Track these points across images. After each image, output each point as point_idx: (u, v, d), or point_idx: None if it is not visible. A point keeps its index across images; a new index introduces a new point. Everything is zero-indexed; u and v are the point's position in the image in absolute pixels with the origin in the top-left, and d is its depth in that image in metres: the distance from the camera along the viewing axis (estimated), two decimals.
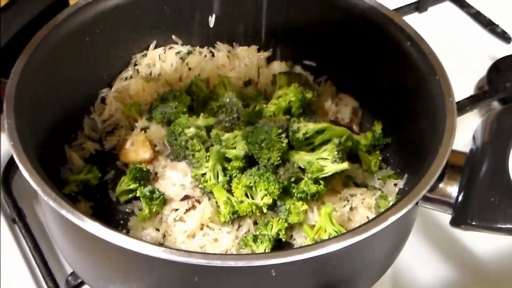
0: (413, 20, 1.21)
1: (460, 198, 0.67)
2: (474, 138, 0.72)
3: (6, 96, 0.69)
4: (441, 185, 0.68)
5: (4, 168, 0.90)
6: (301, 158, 0.77)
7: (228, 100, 0.82)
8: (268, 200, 0.75)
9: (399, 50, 0.80)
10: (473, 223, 0.64)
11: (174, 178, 0.82)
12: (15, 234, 0.86)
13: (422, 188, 0.64)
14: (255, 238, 0.74)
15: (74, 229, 0.62)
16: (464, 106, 0.99)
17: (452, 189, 0.68)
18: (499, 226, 0.63)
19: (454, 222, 0.66)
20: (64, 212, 0.60)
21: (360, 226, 0.60)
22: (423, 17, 1.24)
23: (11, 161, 0.91)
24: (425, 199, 0.67)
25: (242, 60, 0.94)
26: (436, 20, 1.24)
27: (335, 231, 0.73)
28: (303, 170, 0.77)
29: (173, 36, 0.93)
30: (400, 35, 0.80)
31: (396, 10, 1.21)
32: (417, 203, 0.66)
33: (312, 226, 0.76)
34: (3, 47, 0.81)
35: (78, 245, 0.69)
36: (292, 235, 0.78)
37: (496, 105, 1.05)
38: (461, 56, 1.18)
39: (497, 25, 1.11)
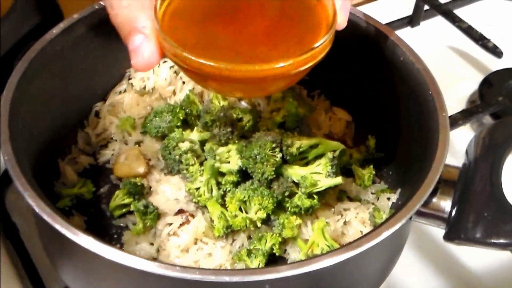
0: (406, 34, 1.24)
1: (453, 213, 0.67)
2: (467, 153, 0.72)
3: (1, 110, 0.69)
4: (434, 199, 0.68)
5: None
6: (295, 172, 0.77)
7: (222, 114, 0.82)
8: (262, 214, 0.75)
9: (392, 65, 0.81)
10: (467, 238, 0.64)
11: (168, 192, 0.82)
12: (8, 249, 0.85)
13: (415, 203, 0.64)
14: (249, 253, 0.74)
15: (67, 244, 0.61)
16: (457, 120, 0.99)
17: (445, 204, 0.68)
18: (492, 241, 0.63)
19: (448, 237, 0.67)
20: (58, 227, 0.60)
21: (353, 242, 0.60)
22: (416, 31, 1.26)
23: (4, 175, 0.90)
24: (419, 213, 0.68)
25: None
26: (429, 34, 1.26)
27: (328, 246, 0.73)
28: (297, 185, 0.77)
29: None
30: (393, 50, 0.80)
31: (389, 24, 1.23)
32: (410, 218, 0.66)
33: (306, 241, 0.76)
34: None
35: (72, 259, 0.69)
36: (286, 250, 0.78)
37: (488, 119, 1.06)
38: (453, 70, 1.20)
39: (489, 40, 1.11)
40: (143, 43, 0.61)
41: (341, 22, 0.66)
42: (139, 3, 0.61)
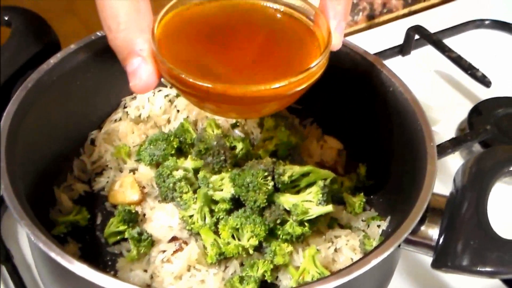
0: (397, 63, 1.26)
1: (441, 241, 0.68)
2: (454, 181, 0.73)
3: None
4: (422, 228, 0.69)
5: None
6: (287, 200, 0.78)
7: (215, 142, 0.83)
8: (254, 241, 0.76)
9: (382, 95, 0.83)
10: (454, 266, 0.65)
11: (162, 220, 0.82)
12: (2, 275, 0.86)
13: (404, 232, 0.66)
14: (241, 280, 0.75)
15: (62, 271, 0.62)
16: (446, 148, 1.01)
17: (433, 232, 0.69)
18: (478, 269, 0.64)
19: (435, 265, 0.68)
20: (53, 255, 0.61)
21: (343, 269, 0.61)
22: (406, 60, 1.28)
23: None
24: (407, 241, 0.69)
25: None
26: (420, 63, 1.28)
27: (319, 273, 0.74)
28: (288, 212, 0.78)
29: (162, 79, 0.94)
30: (383, 80, 0.82)
31: (381, 53, 1.25)
32: (399, 246, 0.68)
33: (297, 268, 0.77)
34: None
35: (66, 287, 0.70)
36: (277, 277, 0.79)
37: (477, 147, 1.07)
38: (443, 98, 1.22)
39: (478, 69, 1.13)
40: (141, 66, 0.62)
41: (336, 43, 0.66)
42: (136, 26, 0.62)
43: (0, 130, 0.72)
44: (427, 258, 0.70)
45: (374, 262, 0.62)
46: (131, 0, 0.62)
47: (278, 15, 0.70)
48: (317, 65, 0.62)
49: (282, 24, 0.70)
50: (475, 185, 0.70)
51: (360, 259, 0.63)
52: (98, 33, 0.84)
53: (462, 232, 0.67)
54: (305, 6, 0.68)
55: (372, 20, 1.40)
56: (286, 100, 0.66)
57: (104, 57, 0.82)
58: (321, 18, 0.66)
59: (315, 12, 0.67)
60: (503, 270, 0.64)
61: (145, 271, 0.78)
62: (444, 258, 0.67)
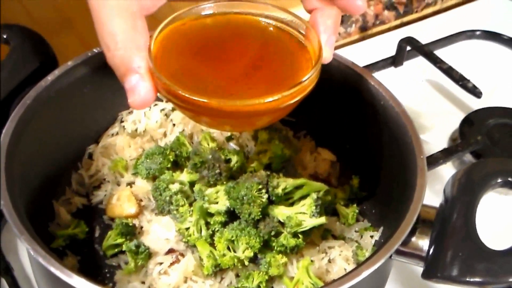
0: (390, 74, 1.28)
1: (431, 251, 0.70)
2: (444, 192, 0.75)
3: None
4: (413, 239, 0.71)
5: None
6: (281, 212, 0.80)
7: (210, 156, 0.85)
8: (249, 253, 0.78)
9: (374, 108, 0.85)
10: (443, 276, 0.67)
11: (159, 232, 0.84)
12: (2, 286, 0.87)
13: (394, 243, 0.67)
14: None
15: (61, 285, 0.64)
16: (438, 159, 1.02)
17: (423, 243, 0.71)
18: (467, 279, 0.65)
19: (425, 275, 0.69)
20: (53, 269, 0.63)
21: (335, 280, 0.63)
22: (399, 71, 1.30)
23: None
24: (398, 252, 0.70)
25: None
26: (412, 74, 1.29)
27: (312, 284, 0.76)
28: (282, 224, 0.80)
29: (158, 94, 0.96)
30: (374, 94, 0.84)
31: (374, 64, 1.27)
32: (390, 257, 0.69)
33: (292, 278, 0.79)
34: None
35: None
36: (272, 287, 0.80)
37: (469, 156, 1.08)
38: (436, 108, 1.23)
39: (469, 80, 1.15)
40: (138, 82, 0.64)
41: (327, 57, 0.68)
42: (134, 44, 0.64)
43: None
44: (419, 268, 0.71)
45: (366, 273, 0.64)
46: (128, 19, 0.64)
47: (271, 29, 0.72)
48: (308, 79, 0.64)
49: (275, 38, 0.71)
50: (464, 196, 0.72)
51: (352, 270, 0.65)
52: (94, 50, 0.86)
53: (451, 243, 0.68)
54: (297, 21, 0.70)
55: (365, 32, 1.41)
56: (279, 113, 0.67)
57: (101, 73, 0.83)
58: (312, 33, 0.68)
59: (306, 26, 0.69)
60: (491, 281, 0.65)
61: (143, 283, 0.80)
62: (434, 269, 0.68)
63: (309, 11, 0.71)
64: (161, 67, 0.65)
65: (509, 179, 0.72)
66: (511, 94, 1.26)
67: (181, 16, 0.70)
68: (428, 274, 0.69)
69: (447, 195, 0.74)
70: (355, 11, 0.68)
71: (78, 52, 0.87)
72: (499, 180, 0.73)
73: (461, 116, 1.16)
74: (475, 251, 0.67)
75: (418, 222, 0.71)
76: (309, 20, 0.70)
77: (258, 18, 0.72)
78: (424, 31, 1.39)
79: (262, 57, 0.70)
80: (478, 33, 1.37)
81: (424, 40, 1.29)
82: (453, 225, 0.69)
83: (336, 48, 1.32)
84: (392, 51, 1.29)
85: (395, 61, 1.29)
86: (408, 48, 1.27)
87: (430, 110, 1.21)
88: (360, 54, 1.33)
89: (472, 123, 1.13)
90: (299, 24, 0.70)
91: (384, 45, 1.35)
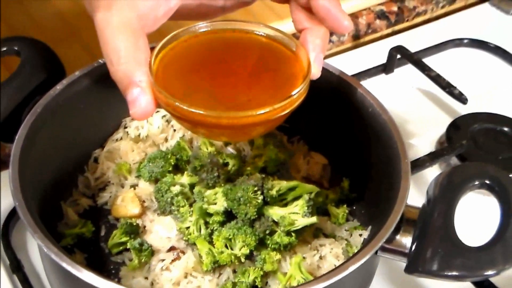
0: (381, 81, 1.32)
1: (413, 248, 0.75)
2: (427, 194, 0.80)
3: (11, 161, 0.77)
4: (397, 236, 0.76)
5: (3, 222, 0.97)
6: (275, 212, 0.84)
7: (209, 160, 0.90)
8: (246, 250, 0.82)
9: (362, 115, 0.89)
10: (424, 271, 0.72)
11: (161, 231, 0.89)
12: (14, 284, 0.92)
13: (379, 240, 0.72)
14: (234, 285, 0.82)
15: (72, 279, 0.68)
16: (425, 162, 1.07)
17: (406, 240, 0.76)
18: (445, 273, 0.71)
19: (408, 270, 0.74)
20: (64, 265, 0.68)
21: (324, 275, 0.68)
22: (390, 78, 1.34)
23: (10, 215, 0.98)
24: (383, 249, 0.75)
25: None
26: (402, 80, 1.34)
27: (303, 279, 0.81)
28: (276, 224, 0.84)
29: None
30: (362, 101, 0.89)
31: (365, 71, 1.31)
32: (376, 253, 0.74)
33: (285, 274, 0.83)
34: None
35: None
36: (267, 282, 0.85)
37: (455, 160, 1.13)
38: (424, 113, 1.27)
39: (455, 87, 1.20)
40: (140, 95, 0.69)
41: (315, 73, 0.74)
42: (135, 60, 0.69)
43: (12, 152, 0.78)
44: (403, 264, 0.76)
45: (352, 268, 0.69)
46: (131, 37, 0.69)
47: (265, 45, 0.77)
48: (298, 93, 0.69)
49: (269, 54, 0.77)
50: (444, 197, 0.77)
51: (340, 265, 0.70)
52: (100, 61, 0.90)
53: (432, 241, 0.73)
54: (288, 39, 0.76)
55: (357, 40, 1.45)
56: (271, 124, 0.73)
57: (106, 82, 0.86)
58: (302, 50, 0.74)
59: (296, 44, 0.75)
60: (467, 274, 0.70)
61: (146, 278, 0.84)
62: (416, 264, 0.73)
63: (299, 31, 0.76)
64: (161, 81, 0.70)
65: (486, 181, 0.77)
66: (496, 100, 1.31)
67: (179, 34, 0.76)
68: (410, 269, 0.74)
69: (429, 196, 0.79)
70: (342, 30, 0.73)
71: (84, 61, 0.91)
72: (477, 183, 0.78)
73: (448, 121, 1.20)
74: (452, 248, 0.72)
75: (402, 221, 0.76)
76: (299, 39, 0.76)
77: (254, 36, 0.78)
78: (415, 39, 1.44)
79: (258, 71, 0.75)
80: (465, 41, 1.42)
81: (414, 47, 1.34)
82: (433, 224, 0.74)
83: (330, 55, 1.38)
84: (383, 59, 1.34)
85: (386, 68, 1.33)
86: (399, 56, 1.31)
87: (419, 115, 1.25)
88: (352, 62, 1.37)
89: (459, 128, 1.18)
90: (290, 43, 0.76)
91: (375, 53, 1.39)
